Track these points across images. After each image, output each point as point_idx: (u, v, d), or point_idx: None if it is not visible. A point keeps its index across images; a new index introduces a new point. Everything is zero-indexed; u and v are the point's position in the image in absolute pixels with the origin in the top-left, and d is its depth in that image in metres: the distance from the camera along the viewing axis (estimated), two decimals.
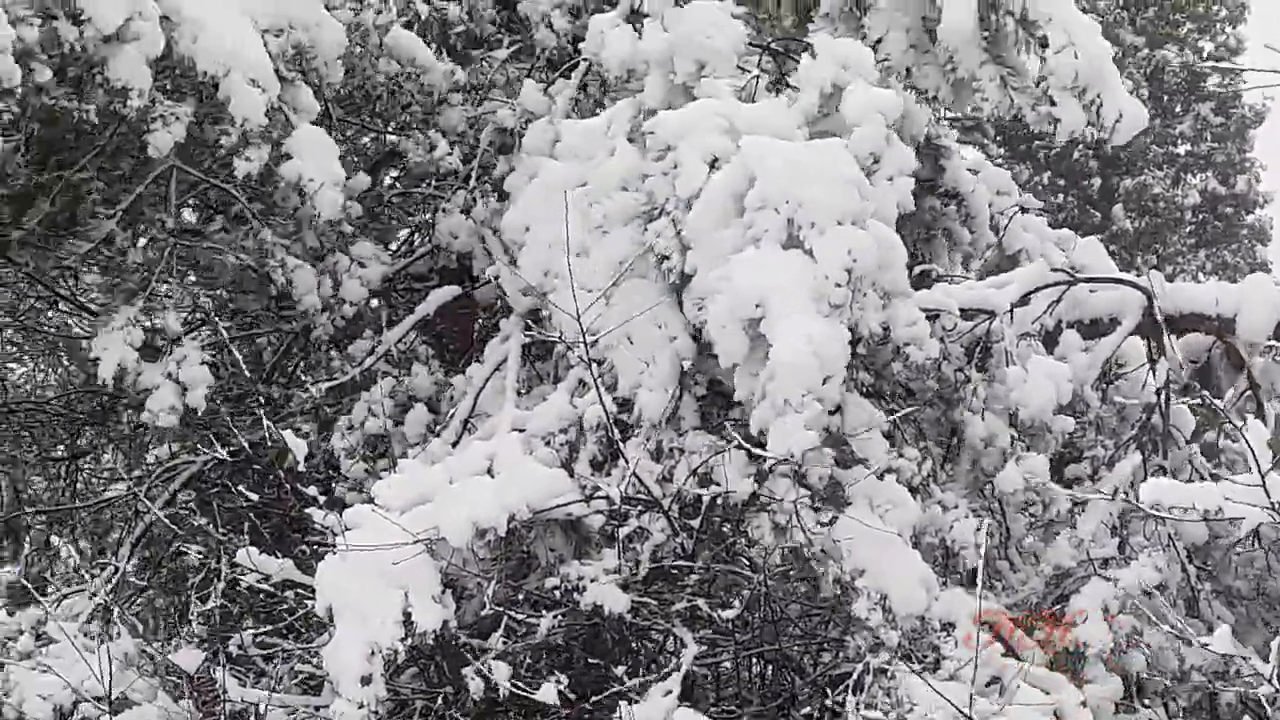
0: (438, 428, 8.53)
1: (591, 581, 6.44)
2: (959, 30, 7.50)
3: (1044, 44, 7.41)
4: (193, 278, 8.93)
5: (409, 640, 6.11)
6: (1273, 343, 8.34)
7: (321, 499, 6.69)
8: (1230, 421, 7.05)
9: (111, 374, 8.12)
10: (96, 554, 9.32)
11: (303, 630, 7.62)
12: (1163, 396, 8.22)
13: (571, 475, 6.74)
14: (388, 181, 10.78)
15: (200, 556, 7.57)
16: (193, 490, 9.40)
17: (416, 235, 10.79)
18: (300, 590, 6.96)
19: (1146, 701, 7.17)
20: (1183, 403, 8.35)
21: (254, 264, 8.61)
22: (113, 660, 6.84)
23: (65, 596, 8.40)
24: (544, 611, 6.54)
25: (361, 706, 5.95)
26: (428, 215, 9.96)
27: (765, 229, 6.39)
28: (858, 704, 6.02)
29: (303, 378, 9.78)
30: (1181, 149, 31.51)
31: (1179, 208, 30.41)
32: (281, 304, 9.65)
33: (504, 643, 6.39)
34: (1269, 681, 6.00)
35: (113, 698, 6.78)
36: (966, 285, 8.51)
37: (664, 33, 7.59)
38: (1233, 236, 31.33)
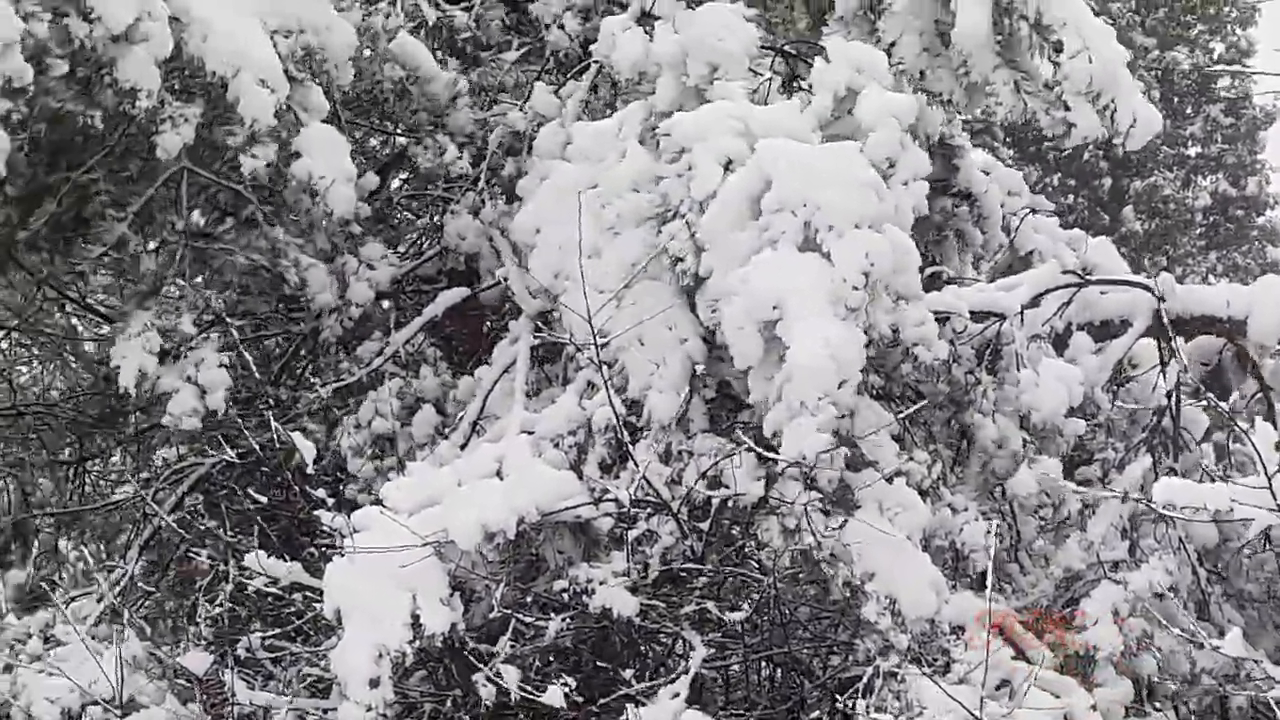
0: (446, 429, 8.52)
1: (600, 584, 6.42)
2: (973, 34, 7.48)
3: (1058, 48, 7.39)
4: (200, 280, 8.91)
5: (417, 643, 6.10)
6: None
7: (330, 501, 6.68)
8: (1236, 424, 7.04)
9: (132, 381, 8.13)
10: (105, 557, 9.31)
11: (311, 633, 7.61)
12: (1173, 399, 8.21)
13: (580, 477, 6.72)
14: (396, 184, 10.78)
15: (209, 559, 7.55)
16: (200, 493, 9.39)
17: (425, 238, 10.79)
18: (308, 593, 6.95)
19: (1157, 705, 7.15)
20: (1192, 404, 8.33)
21: (267, 264, 8.60)
22: (122, 663, 6.83)
23: (73, 599, 8.39)
24: (552, 614, 6.53)
25: (370, 709, 5.94)
26: (437, 217, 9.96)
27: (782, 231, 6.38)
28: (867, 707, 6.01)
29: (311, 380, 9.78)
30: (1192, 151, 31.48)
31: (1189, 209, 30.38)
32: (290, 306, 9.65)
33: (512, 646, 6.38)
34: None
35: (121, 700, 6.77)
36: (976, 287, 8.50)
37: (675, 35, 7.58)
38: (1243, 238, 31.31)
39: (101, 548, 9.54)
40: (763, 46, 8.01)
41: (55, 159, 8.28)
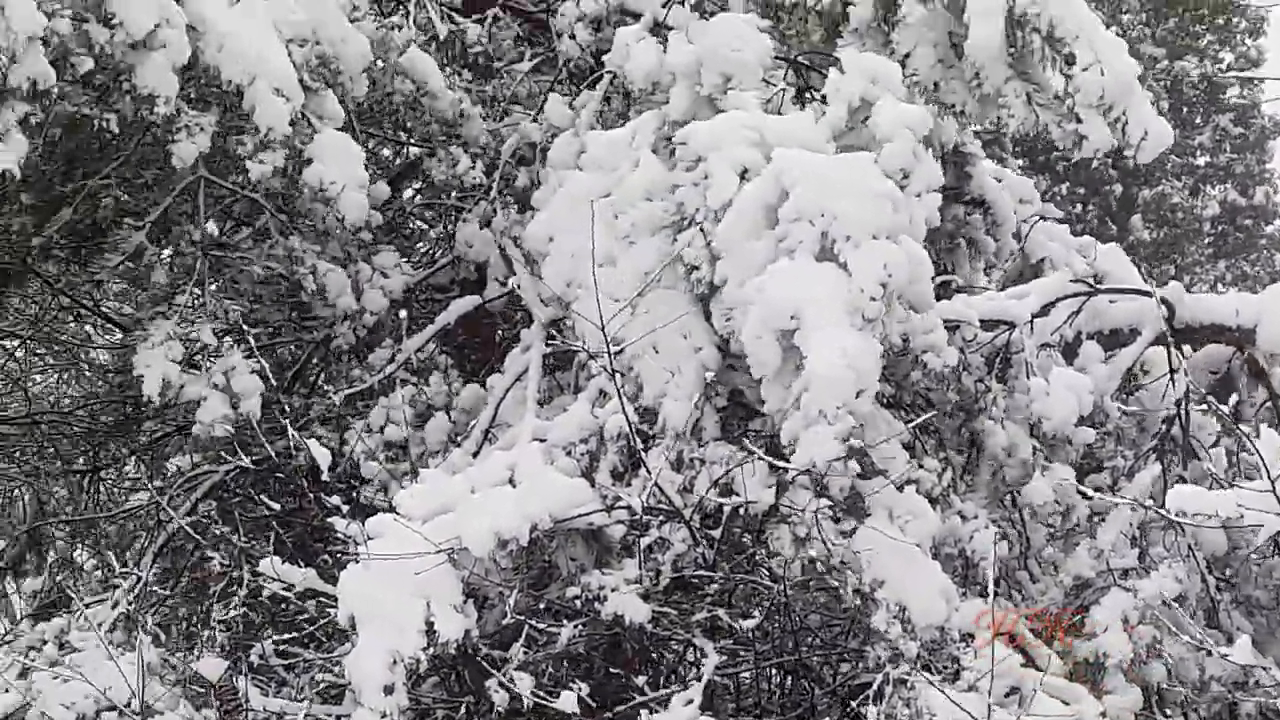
0: (458, 437, 8.55)
1: (613, 591, 6.45)
2: (986, 46, 7.52)
3: (1070, 61, 7.42)
4: (214, 289, 8.96)
5: (431, 650, 6.13)
6: None
7: (344, 508, 6.72)
8: (1240, 432, 7.06)
9: (156, 389, 8.18)
10: (119, 564, 9.34)
11: (324, 640, 7.64)
12: (1182, 407, 8.22)
13: (592, 485, 6.75)
14: (409, 193, 10.82)
15: (223, 565, 7.59)
16: (214, 500, 9.43)
17: (438, 247, 10.83)
18: (322, 599, 6.98)
19: (1167, 712, 7.16)
20: (1201, 412, 8.35)
21: (284, 272, 8.65)
22: (143, 669, 6.86)
23: (88, 605, 8.43)
24: (565, 621, 6.55)
25: (384, 716, 5.96)
26: (450, 227, 9.99)
27: (799, 241, 6.41)
28: (878, 714, 6.03)
29: (323, 387, 9.82)
30: (1201, 160, 31.47)
31: (1198, 218, 30.37)
32: (302, 315, 9.70)
33: (525, 652, 6.40)
34: None
35: (142, 706, 6.81)
36: (986, 296, 8.53)
37: (689, 45, 7.61)
38: (1252, 247, 31.29)
39: (116, 556, 9.56)
40: (776, 57, 8.05)
41: (71, 167, 8.34)
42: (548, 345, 8.27)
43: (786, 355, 6.33)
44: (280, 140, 7.71)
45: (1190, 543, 7.71)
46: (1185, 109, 30.86)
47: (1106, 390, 8.10)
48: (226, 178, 8.50)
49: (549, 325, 8.29)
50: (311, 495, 7.25)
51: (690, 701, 6.25)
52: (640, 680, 6.53)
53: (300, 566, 7.10)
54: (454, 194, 9.65)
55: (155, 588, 9.11)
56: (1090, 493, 7.50)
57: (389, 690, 6.01)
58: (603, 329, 6.58)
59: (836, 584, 6.53)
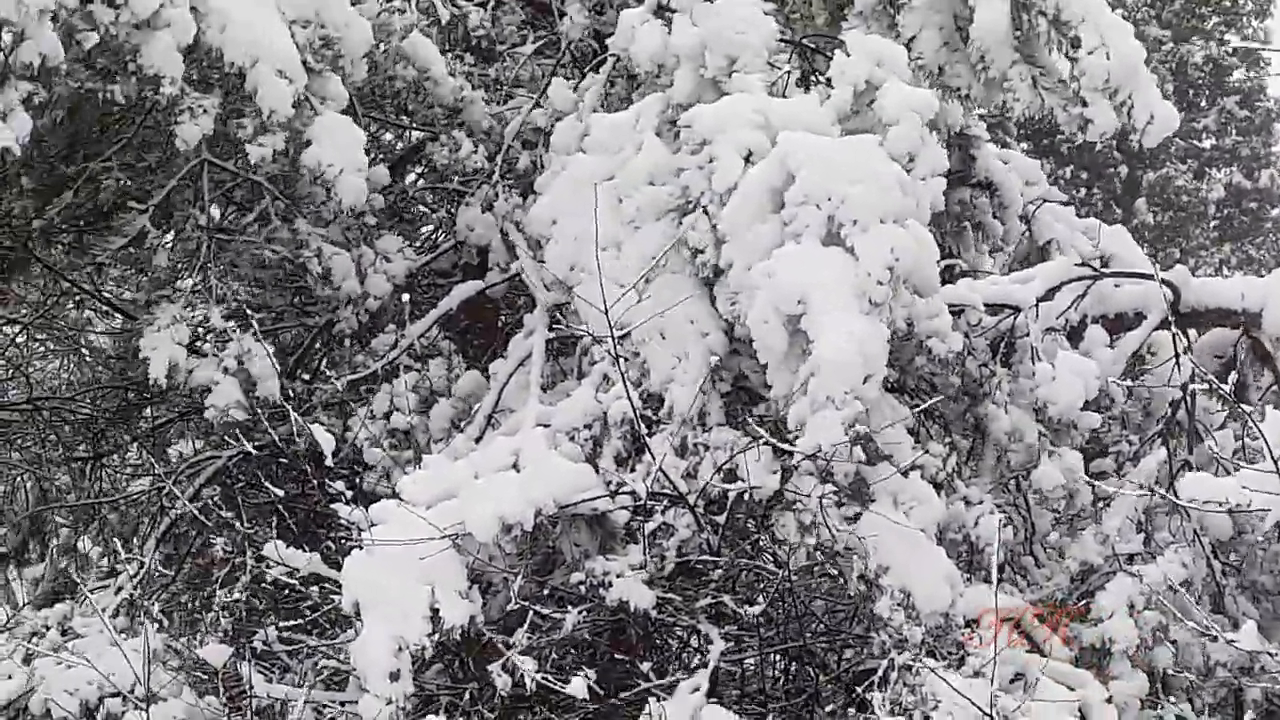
0: (462, 423, 8.54)
1: (617, 577, 6.44)
2: (991, 30, 7.50)
3: (1076, 44, 7.40)
4: (214, 273, 8.93)
5: (436, 636, 6.12)
6: None
7: (347, 494, 6.70)
8: (1245, 415, 7.04)
9: (163, 372, 8.16)
10: (122, 551, 9.33)
11: (327, 626, 7.64)
12: (1188, 391, 8.21)
13: (596, 471, 6.73)
14: (412, 177, 10.79)
15: (226, 551, 7.58)
16: (218, 485, 9.41)
17: (440, 231, 10.80)
18: (325, 585, 6.97)
19: (1172, 698, 7.16)
20: (1206, 394, 8.33)
21: (289, 255, 8.62)
22: (148, 655, 6.86)
23: (92, 591, 8.42)
24: (569, 607, 6.54)
25: (390, 702, 5.95)
26: (452, 210, 9.97)
27: (806, 225, 6.39)
28: (882, 700, 6.02)
29: (325, 373, 9.80)
30: (1206, 143, 31.39)
31: (1203, 202, 30.30)
32: (305, 300, 9.67)
33: (529, 638, 6.39)
34: None
35: (147, 692, 6.80)
36: (991, 280, 8.52)
37: (694, 28, 7.58)
38: (1257, 230, 31.21)
39: (118, 543, 9.54)
40: (780, 40, 8.02)
41: (72, 150, 8.31)
42: (551, 330, 8.25)
43: (793, 340, 6.31)
44: (282, 123, 7.68)
45: (1196, 528, 7.70)
46: (1191, 92, 30.77)
47: (1111, 374, 8.08)
48: (229, 162, 8.47)
49: (552, 310, 8.27)
50: (315, 481, 7.23)
51: (697, 688, 6.24)
52: (645, 666, 6.52)
53: (304, 552, 7.09)
54: (456, 178, 9.62)
55: (159, 573, 9.10)
56: (1096, 484, 7.50)
57: (395, 677, 6.01)
58: (606, 313, 6.55)
59: (841, 570, 6.52)
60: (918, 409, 6.93)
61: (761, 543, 6.90)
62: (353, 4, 8.32)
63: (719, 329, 6.81)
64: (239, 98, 7.74)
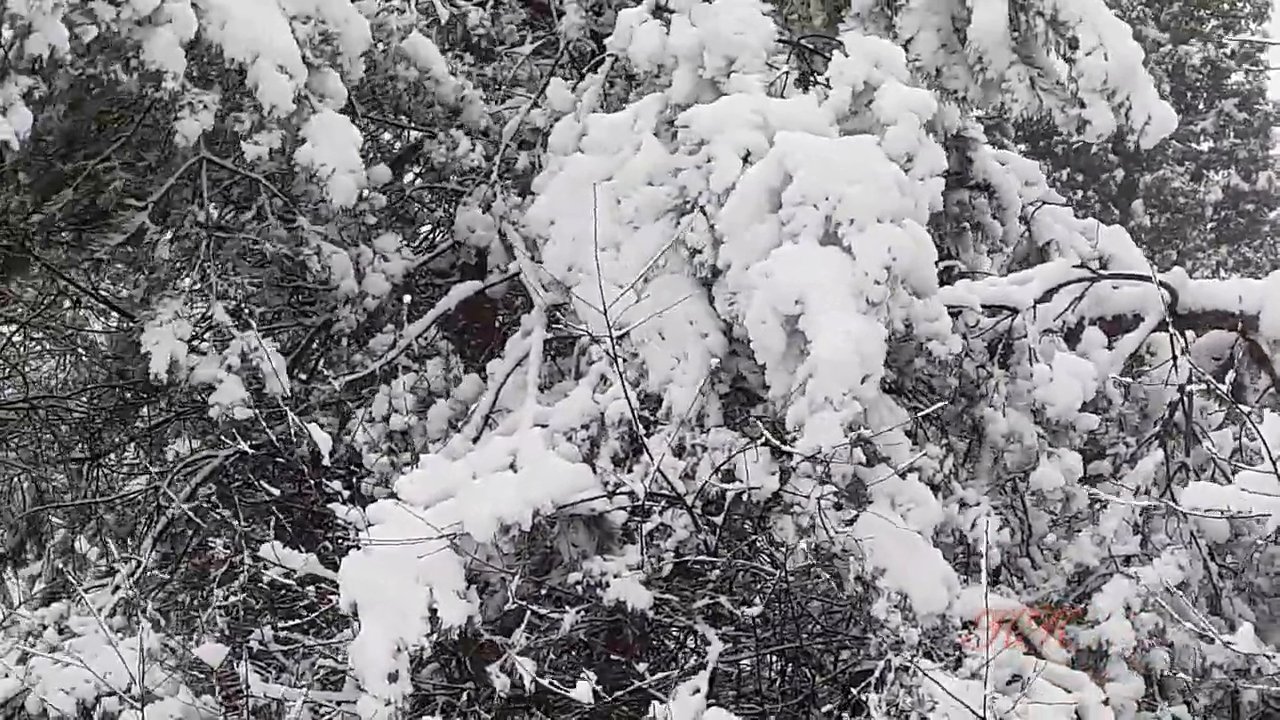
0: (459, 423, 8.54)
1: (614, 577, 6.43)
2: (989, 31, 7.50)
3: (1074, 45, 7.40)
4: (214, 270, 8.93)
5: (434, 636, 6.11)
6: None
7: (344, 494, 6.70)
8: (1243, 416, 7.04)
9: (164, 367, 8.16)
10: (119, 549, 9.33)
11: (324, 626, 7.63)
12: (1185, 393, 8.21)
13: (594, 471, 6.73)
14: (409, 177, 10.78)
15: (224, 549, 7.57)
16: (214, 485, 9.41)
17: (438, 231, 10.80)
18: (322, 585, 6.97)
19: (1169, 699, 7.16)
20: (1203, 396, 8.34)
21: (288, 254, 8.61)
22: (143, 654, 6.85)
23: (88, 591, 8.42)
24: (567, 607, 6.54)
25: (388, 703, 5.94)
26: (450, 210, 9.96)
27: (803, 225, 6.39)
28: (879, 702, 6.01)
29: (322, 372, 9.79)
30: (1204, 145, 31.41)
31: (1200, 204, 30.32)
32: (302, 299, 9.67)
33: (527, 638, 6.39)
34: None
35: (142, 692, 6.80)
36: (989, 281, 8.52)
37: (692, 28, 7.59)
38: (1255, 233, 31.22)
39: (116, 542, 9.54)
40: (779, 41, 8.02)
41: (71, 148, 8.30)
42: (549, 330, 8.25)
43: (790, 340, 6.31)
44: (281, 119, 7.67)
45: (1193, 530, 7.70)
46: (1189, 94, 30.78)
47: (1109, 376, 8.08)
48: (227, 160, 8.46)
49: (550, 310, 8.27)
50: (312, 481, 7.23)
51: (697, 690, 6.23)
52: (642, 666, 6.51)
53: (301, 552, 7.08)
54: (454, 178, 9.61)
55: (155, 573, 9.09)
56: (1092, 488, 7.50)
57: (393, 678, 6.00)
58: (605, 313, 6.54)
59: (838, 571, 6.52)
60: (920, 414, 6.93)
61: (759, 543, 6.89)
62: (352, 1, 8.33)
63: (718, 329, 6.81)
64: (239, 94, 7.73)
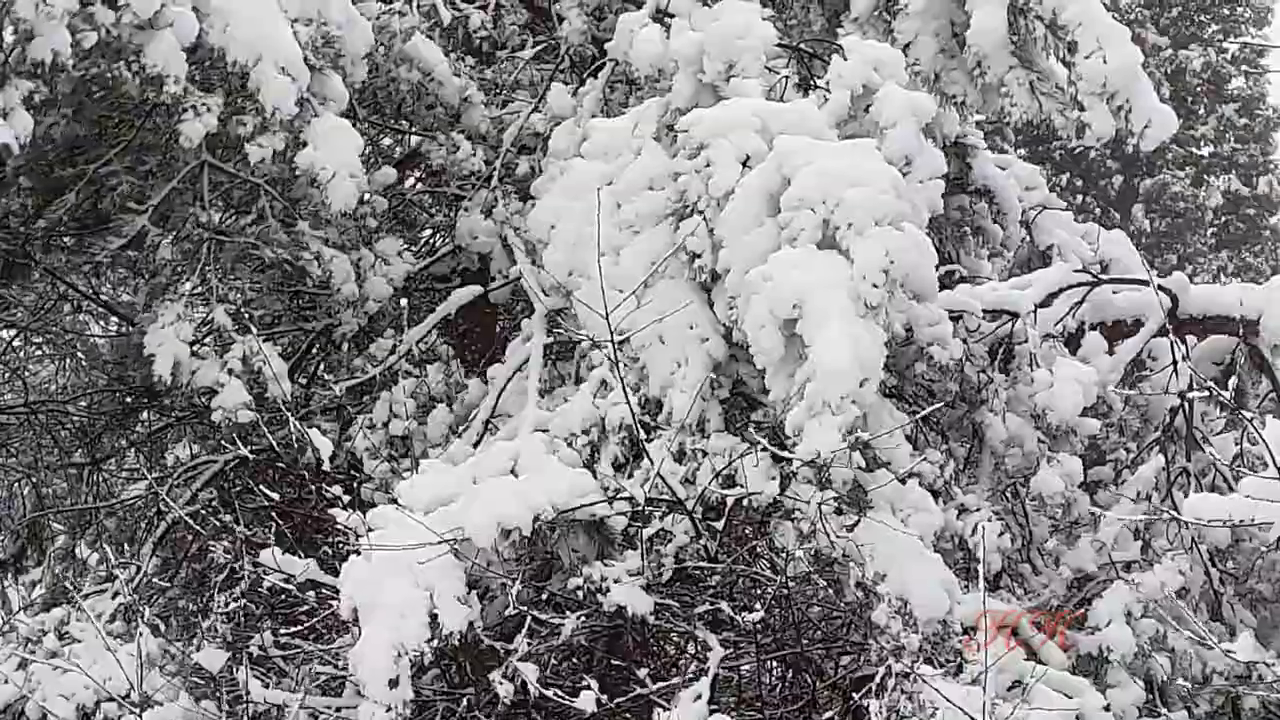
0: (460, 428, 8.53)
1: (615, 583, 6.42)
2: (988, 35, 7.51)
3: (1073, 49, 7.40)
4: (215, 274, 8.92)
5: (435, 641, 6.10)
6: None
7: (345, 499, 6.68)
8: (1244, 422, 7.04)
9: (168, 370, 8.15)
10: (119, 555, 9.31)
11: (324, 631, 7.61)
12: (1186, 398, 8.21)
13: (594, 476, 6.72)
14: (410, 181, 10.78)
15: (225, 555, 7.56)
16: (214, 490, 9.40)
17: (439, 235, 10.80)
18: (323, 591, 6.95)
19: (1170, 705, 7.15)
20: (1204, 401, 8.33)
21: (289, 258, 8.60)
22: (142, 660, 6.84)
23: (88, 596, 8.40)
24: (567, 612, 6.53)
25: (389, 709, 5.93)
26: (450, 213, 9.96)
27: (802, 229, 6.39)
28: (879, 708, 6.00)
29: (323, 377, 9.78)
30: (1205, 150, 31.39)
31: (1201, 208, 30.31)
32: (303, 304, 9.66)
33: (528, 644, 6.38)
34: None
35: (141, 697, 6.78)
36: (989, 286, 8.52)
37: (692, 33, 7.59)
38: (1255, 238, 31.21)
39: (113, 549, 9.52)
40: (778, 45, 8.03)
41: (73, 153, 8.30)
42: (550, 335, 8.24)
43: (789, 344, 6.31)
44: (284, 121, 7.66)
45: (1194, 536, 7.69)
46: (1189, 99, 30.78)
47: (1110, 381, 8.08)
48: (228, 163, 8.46)
49: (550, 315, 8.26)
50: (313, 486, 7.22)
51: (699, 696, 6.22)
52: (642, 672, 6.50)
53: (301, 557, 7.07)
54: (455, 182, 9.61)
55: (155, 579, 9.08)
56: (1092, 496, 7.50)
57: (394, 683, 5.98)
58: (605, 318, 6.54)
59: (838, 577, 6.51)
60: (919, 416, 6.92)
61: (759, 549, 6.88)
62: (354, 2, 8.33)
63: (718, 334, 6.81)
64: (241, 96, 7.72)
